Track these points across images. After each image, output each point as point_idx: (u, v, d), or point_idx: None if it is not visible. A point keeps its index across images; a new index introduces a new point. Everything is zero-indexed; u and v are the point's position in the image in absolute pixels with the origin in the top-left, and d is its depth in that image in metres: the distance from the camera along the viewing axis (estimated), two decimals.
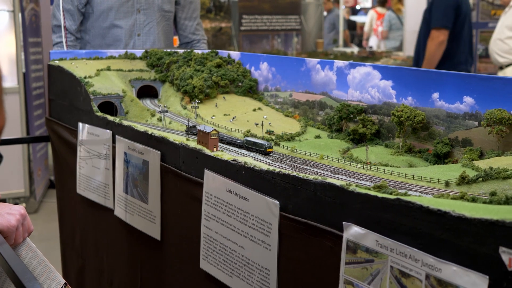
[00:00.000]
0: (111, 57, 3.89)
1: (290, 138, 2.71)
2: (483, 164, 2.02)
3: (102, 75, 3.56)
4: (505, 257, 1.27)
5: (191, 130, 2.72)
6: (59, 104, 3.70)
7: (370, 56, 11.24)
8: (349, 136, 2.69)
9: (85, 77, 3.41)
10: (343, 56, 12.03)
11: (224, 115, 3.12)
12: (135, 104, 3.37)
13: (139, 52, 3.94)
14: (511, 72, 7.81)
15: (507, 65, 7.92)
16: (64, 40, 4.25)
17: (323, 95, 2.94)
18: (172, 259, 2.66)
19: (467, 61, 6.90)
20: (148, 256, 2.88)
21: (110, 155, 3.04)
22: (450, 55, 6.67)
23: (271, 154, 2.40)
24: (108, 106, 3.32)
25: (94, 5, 4.58)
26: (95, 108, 3.19)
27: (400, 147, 2.47)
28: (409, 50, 11.53)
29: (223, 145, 2.54)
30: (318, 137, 2.75)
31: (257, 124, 2.89)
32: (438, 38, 6.51)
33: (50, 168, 8.66)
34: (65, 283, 2.18)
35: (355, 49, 13.61)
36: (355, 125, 2.68)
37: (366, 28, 15.17)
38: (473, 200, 1.55)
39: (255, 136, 2.69)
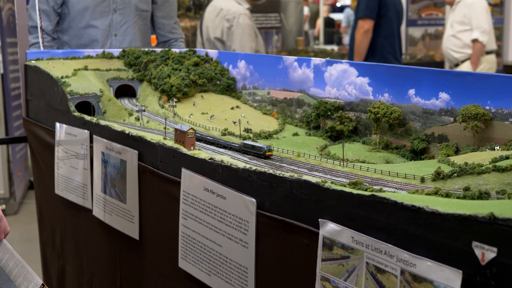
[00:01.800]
0: (89, 57, 3.86)
1: (268, 136, 2.71)
2: (459, 159, 2.03)
3: (79, 74, 3.54)
4: (478, 252, 1.28)
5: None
6: (36, 105, 3.67)
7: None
8: (327, 133, 2.69)
9: (62, 77, 3.39)
10: (323, 53, 12.06)
11: (202, 113, 3.11)
12: (112, 104, 3.36)
13: (116, 52, 3.92)
14: (467, 68, 7.88)
15: (463, 60, 7.99)
16: (40, 40, 4.23)
17: (301, 93, 2.95)
18: (151, 258, 2.66)
19: (395, 52, 7.02)
20: (127, 255, 2.87)
21: (87, 155, 3.02)
22: (378, 45, 6.83)
23: (271, 157, 2.33)
24: (86, 106, 3.30)
25: (70, 6, 4.56)
26: (72, 108, 3.17)
27: (377, 144, 2.48)
28: None
29: (219, 149, 2.49)
30: (296, 134, 2.76)
31: (235, 122, 2.89)
32: (363, 28, 6.73)
33: (30, 169, 8.60)
34: (42, 284, 2.17)
35: (335, 47, 13.65)
36: (332, 122, 2.68)
37: (343, 24, 15.26)
38: (447, 195, 1.56)
39: (250, 138, 2.66)
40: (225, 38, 6.26)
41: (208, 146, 2.53)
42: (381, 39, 6.91)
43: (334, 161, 2.24)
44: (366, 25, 6.72)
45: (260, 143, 2.36)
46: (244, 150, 2.39)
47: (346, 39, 14.54)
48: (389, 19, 6.91)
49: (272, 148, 2.35)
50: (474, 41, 7.81)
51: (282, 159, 2.31)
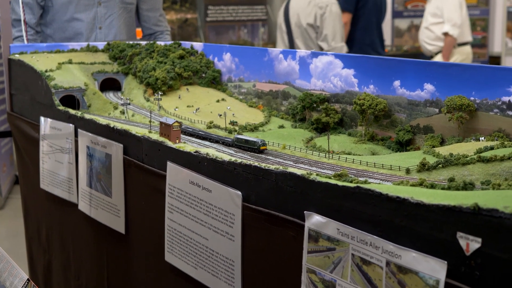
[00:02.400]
0: (73, 50, 3.84)
1: (254, 128, 2.70)
2: (444, 150, 2.04)
3: (64, 68, 3.52)
4: (462, 243, 1.28)
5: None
6: (21, 99, 3.65)
7: None
8: (313, 126, 2.69)
9: (46, 71, 3.37)
10: None
11: (188, 106, 3.10)
12: (97, 97, 3.34)
13: (101, 45, 3.90)
14: (440, 60, 7.91)
15: (436, 53, 8.01)
16: (24, 34, 4.19)
17: (286, 85, 2.94)
18: (137, 252, 2.65)
19: (374, 44, 7.07)
20: (114, 249, 2.86)
21: (73, 149, 3.00)
22: (356, 37, 6.88)
23: (265, 151, 2.30)
24: (70, 100, 3.28)
25: None
26: (57, 102, 3.15)
27: (363, 135, 2.48)
28: None
29: (211, 143, 2.47)
30: (281, 127, 2.75)
31: (220, 115, 2.88)
32: (344, 19, 6.78)
33: (16, 163, 8.55)
34: (27, 279, 2.15)
35: None
36: (318, 114, 2.68)
37: None
38: (432, 186, 1.57)
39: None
40: (318, 23, 6.52)
41: (199, 140, 2.52)
42: (359, 31, 6.97)
43: (320, 153, 2.24)
44: (343, 18, 6.76)
45: (253, 137, 2.34)
46: (238, 144, 2.36)
47: None
48: (368, 11, 6.96)
49: (266, 142, 2.32)
50: (445, 34, 7.81)
51: (268, 151, 2.30)
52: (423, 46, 8.31)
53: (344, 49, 6.48)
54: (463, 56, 8.01)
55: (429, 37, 8.13)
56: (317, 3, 6.49)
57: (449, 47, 7.81)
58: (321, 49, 6.48)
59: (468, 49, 8.24)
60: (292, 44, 6.69)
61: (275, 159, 2.16)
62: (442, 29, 7.87)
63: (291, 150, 2.31)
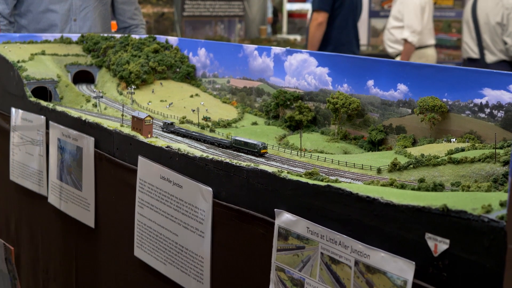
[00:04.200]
0: (46, 41, 3.80)
1: (227, 124, 2.70)
2: (416, 151, 2.04)
3: (36, 59, 3.48)
4: (431, 243, 1.28)
5: (168, 128, 2.54)
6: None
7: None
8: (286, 123, 2.69)
9: (18, 62, 3.33)
10: (286, 43, 12.05)
11: (161, 101, 3.08)
12: (70, 90, 3.31)
13: (75, 37, 3.86)
14: None
15: (396, 55, 8.04)
16: None
17: (261, 82, 2.93)
18: (106, 246, 2.63)
19: (350, 44, 7.09)
20: (83, 243, 2.84)
21: (43, 142, 2.97)
22: (332, 37, 6.90)
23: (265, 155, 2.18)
24: (42, 92, 3.25)
25: None
26: (29, 93, 3.12)
27: (336, 134, 2.48)
28: None
29: (207, 145, 2.36)
30: (255, 123, 2.75)
31: (193, 111, 2.87)
32: (317, 20, 6.82)
33: None
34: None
35: (298, 37, 13.66)
36: (291, 112, 2.68)
37: (309, 16, 15.24)
38: (402, 187, 1.57)
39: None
40: (505, 22, 7.38)
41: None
42: (335, 31, 6.96)
43: (292, 151, 2.24)
44: (320, 18, 6.77)
45: (253, 140, 2.22)
46: (235, 147, 2.24)
47: None
48: (344, 11, 6.96)
49: (267, 145, 2.21)
50: (404, 40, 7.81)
51: (269, 155, 2.26)
52: (386, 48, 8.33)
53: None
54: (422, 59, 8.01)
55: (390, 39, 8.13)
56: (504, 4, 7.36)
57: (407, 53, 7.81)
58: (505, 43, 7.30)
59: (429, 51, 8.22)
60: (479, 38, 7.51)
61: (246, 155, 2.15)
62: (401, 34, 7.87)
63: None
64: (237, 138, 2.24)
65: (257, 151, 2.15)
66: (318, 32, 6.80)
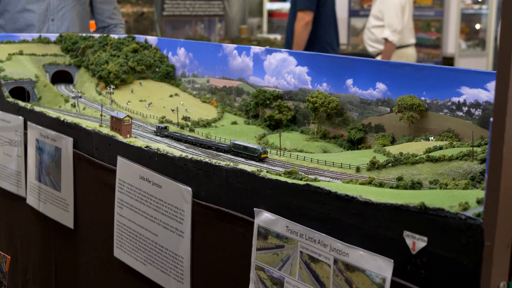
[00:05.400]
0: (24, 41, 3.77)
1: (206, 124, 2.69)
2: (394, 149, 2.05)
3: (14, 59, 3.45)
4: (409, 241, 1.29)
5: (162, 132, 2.48)
6: None
7: None
8: (265, 122, 2.69)
9: None
10: (267, 42, 12.05)
11: (140, 101, 3.07)
12: (48, 90, 3.29)
13: (53, 36, 3.84)
14: None
15: (377, 54, 8.05)
16: None
17: (240, 81, 2.93)
18: (86, 247, 2.61)
19: (332, 42, 7.09)
20: (62, 244, 2.82)
21: (22, 142, 2.95)
22: (318, 36, 6.87)
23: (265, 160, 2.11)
24: (20, 92, 3.22)
25: None
26: (6, 93, 3.09)
27: (315, 133, 2.49)
28: None
29: (205, 149, 2.29)
30: (234, 123, 2.75)
31: (173, 110, 2.86)
32: (304, 20, 6.73)
33: None
34: None
35: (278, 36, 13.66)
36: (271, 111, 2.68)
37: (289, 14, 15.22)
38: (381, 185, 1.58)
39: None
40: None
41: (146, 134, 2.49)
42: (319, 30, 6.93)
43: (272, 150, 2.24)
44: (306, 17, 6.71)
45: (253, 144, 2.16)
46: (234, 151, 2.17)
47: None
48: (327, 9, 6.93)
49: (267, 150, 2.15)
50: (385, 39, 7.81)
51: (269, 160, 2.24)
52: (366, 46, 8.33)
53: None
54: (402, 58, 8.02)
55: (370, 38, 8.12)
56: None
57: (388, 52, 7.80)
58: None
59: (410, 50, 8.23)
60: None
61: (226, 155, 2.15)
62: (382, 34, 7.86)
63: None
64: (236, 142, 2.18)
65: (257, 155, 2.09)
66: (305, 32, 6.74)
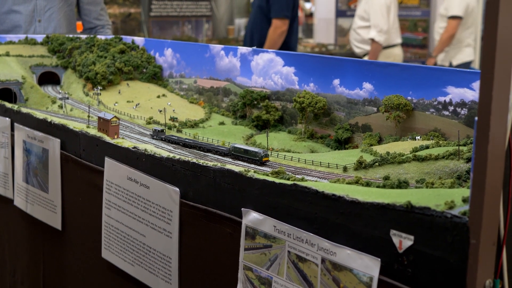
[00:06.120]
0: (10, 42, 3.76)
1: (194, 124, 2.69)
2: (381, 149, 2.06)
3: (0, 60, 3.44)
4: (395, 240, 1.29)
5: (158, 135, 2.44)
6: None
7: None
8: (253, 123, 2.70)
9: None
10: None
11: (128, 102, 3.07)
12: (35, 91, 3.28)
13: (40, 38, 3.83)
14: None
15: (363, 55, 8.05)
16: None
17: (228, 82, 2.94)
18: (74, 248, 2.61)
19: (295, 47, 7.08)
20: (50, 246, 2.81)
21: (9, 144, 2.94)
22: (286, 42, 6.85)
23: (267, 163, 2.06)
24: (7, 93, 3.21)
25: None
26: None
27: (302, 133, 2.49)
28: (319, 37, 11.69)
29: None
30: (222, 123, 2.75)
31: (160, 111, 2.86)
32: (281, 28, 6.66)
33: None
34: None
35: None
36: (258, 112, 2.69)
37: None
38: (368, 184, 1.58)
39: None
40: None
41: (133, 135, 2.49)
42: (292, 36, 6.90)
43: None
44: (284, 26, 6.62)
45: (254, 147, 2.11)
46: (235, 154, 2.13)
47: None
48: (294, 16, 6.91)
49: (268, 153, 2.10)
50: (371, 40, 7.80)
51: (270, 163, 2.22)
52: (352, 47, 8.33)
53: None
54: (389, 58, 8.02)
55: (356, 39, 8.12)
56: None
57: (374, 52, 7.80)
58: None
59: (396, 50, 8.24)
60: None
61: (213, 155, 2.15)
62: (368, 34, 7.86)
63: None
64: (236, 145, 2.14)
65: (258, 159, 2.04)
66: (280, 39, 6.69)
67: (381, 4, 7.82)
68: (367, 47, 7.93)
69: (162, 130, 2.47)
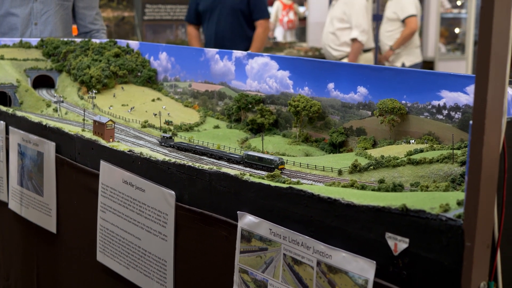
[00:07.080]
0: (5, 46, 3.76)
1: (189, 128, 2.70)
2: (376, 152, 2.07)
3: None
4: (391, 243, 1.30)
5: (167, 142, 2.38)
6: None
7: (274, 47, 11.30)
8: (248, 126, 2.70)
9: None
10: None
11: (122, 105, 3.07)
12: (30, 94, 3.28)
13: (34, 41, 3.83)
14: None
15: (341, 58, 8.04)
16: None
17: (222, 85, 2.94)
18: (68, 252, 2.61)
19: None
20: (44, 249, 2.81)
21: (3, 147, 2.94)
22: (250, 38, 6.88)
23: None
24: (2, 97, 3.21)
25: None
26: None
27: (297, 137, 2.50)
28: (313, 41, 11.69)
29: (215, 160, 2.20)
30: (217, 127, 2.76)
31: (155, 115, 2.87)
32: (269, 28, 6.79)
33: None
34: None
35: None
36: (253, 115, 2.69)
37: (271, 19, 15.22)
38: (363, 187, 1.59)
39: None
40: None
41: (127, 138, 2.49)
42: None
43: None
44: (270, 25, 6.73)
45: (269, 155, 2.06)
46: (248, 162, 2.07)
47: (275, 32, 14.48)
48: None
49: (284, 161, 2.03)
50: (353, 40, 7.78)
51: (286, 171, 2.20)
52: (327, 51, 8.21)
53: None
54: (366, 63, 8.01)
55: (334, 42, 8.07)
56: None
57: (356, 52, 7.76)
58: None
59: (370, 56, 8.23)
60: None
61: (209, 159, 2.16)
62: (350, 35, 7.82)
63: (226, 150, 2.28)
64: (249, 153, 2.07)
65: (274, 167, 1.97)
66: (266, 39, 6.77)
67: (361, 4, 7.84)
68: (347, 49, 7.90)
69: (170, 137, 2.42)
